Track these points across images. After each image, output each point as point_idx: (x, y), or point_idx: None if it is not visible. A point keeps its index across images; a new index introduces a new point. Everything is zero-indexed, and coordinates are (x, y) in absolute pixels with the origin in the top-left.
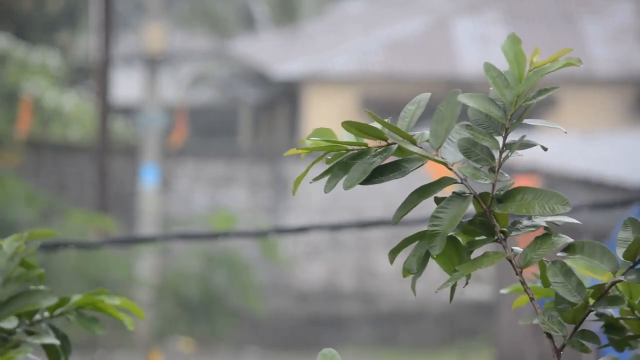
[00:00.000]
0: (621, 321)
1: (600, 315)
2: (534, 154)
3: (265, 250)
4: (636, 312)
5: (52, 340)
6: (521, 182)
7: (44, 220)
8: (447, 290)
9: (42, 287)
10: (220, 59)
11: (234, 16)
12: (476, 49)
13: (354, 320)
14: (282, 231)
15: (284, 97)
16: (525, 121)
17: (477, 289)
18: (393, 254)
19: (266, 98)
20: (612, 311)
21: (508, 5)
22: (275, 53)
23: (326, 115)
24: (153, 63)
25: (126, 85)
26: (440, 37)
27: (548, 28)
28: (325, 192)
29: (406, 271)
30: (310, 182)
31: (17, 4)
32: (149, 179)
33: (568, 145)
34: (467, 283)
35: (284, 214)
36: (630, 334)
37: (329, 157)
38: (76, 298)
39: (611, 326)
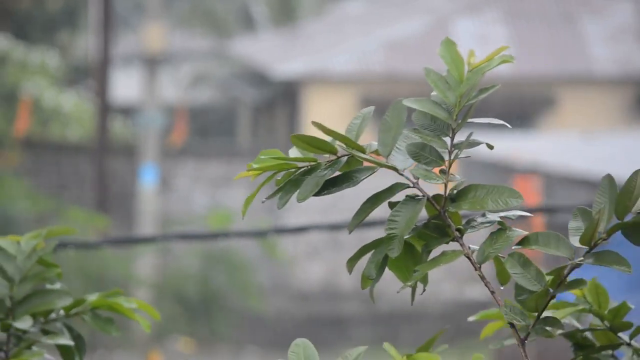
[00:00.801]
0: (590, 337)
1: (570, 335)
2: (535, 154)
3: (265, 249)
4: (605, 322)
5: (66, 341)
6: (521, 182)
7: (43, 219)
8: (447, 289)
9: (58, 286)
10: (219, 59)
11: (234, 16)
12: (476, 49)
13: (353, 320)
14: (281, 231)
15: (284, 97)
16: (472, 120)
17: (476, 289)
18: (351, 262)
19: (266, 98)
20: (578, 325)
21: (508, 5)
22: (275, 53)
23: (326, 115)
24: (152, 63)
25: (126, 85)
26: (440, 37)
27: (548, 28)
28: (278, 208)
29: (365, 279)
30: (263, 202)
31: (17, 4)
32: (148, 179)
33: (568, 145)
34: (424, 290)
35: (283, 214)
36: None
37: (279, 178)
38: (92, 298)
39: (580, 345)
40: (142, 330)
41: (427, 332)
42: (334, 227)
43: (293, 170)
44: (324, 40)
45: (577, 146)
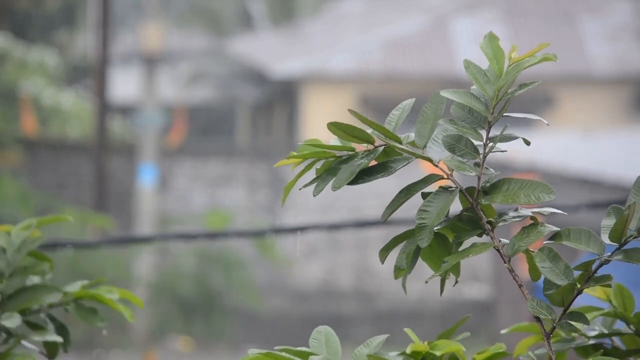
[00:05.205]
0: (619, 343)
1: (598, 348)
2: (533, 153)
3: (262, 249)
4: (631, 326)
5: (53, 337)
6: None
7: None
8: (445, 288)
9: (48, 279)
10: (218, 58)
11: (232, 15)
12: (475, 48)
13: (352, 319)
14: (280, 230)
15: (282, 96)
16: (509, 114)
17: (475, 288)
18: (384, 252)
19: (264, 97)
20: (604, 329)
21: (507, 4)
22: (274, 52)
23: (324, 114)
24: (151, 62)
25: (124, 84)
26: (439, 36)
27: (547, 27)
28: (314, 195)
29: (398, 270)
30: (300, 189)
31: (16, 3)
32: (147, 178)
33: (567, 144)
34: (456, 282)
35: (282, 213)
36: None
37: (318, 167)
38: (74, 289)
39: (609, 354)
40: (140, 329)
41: (425, 331)
42: (333, 227)
43: (332, 159)
44: (322, 40)
45: (576, 145)
